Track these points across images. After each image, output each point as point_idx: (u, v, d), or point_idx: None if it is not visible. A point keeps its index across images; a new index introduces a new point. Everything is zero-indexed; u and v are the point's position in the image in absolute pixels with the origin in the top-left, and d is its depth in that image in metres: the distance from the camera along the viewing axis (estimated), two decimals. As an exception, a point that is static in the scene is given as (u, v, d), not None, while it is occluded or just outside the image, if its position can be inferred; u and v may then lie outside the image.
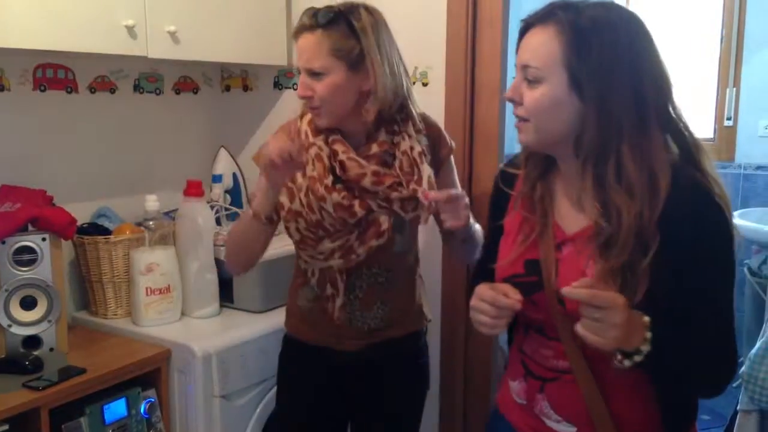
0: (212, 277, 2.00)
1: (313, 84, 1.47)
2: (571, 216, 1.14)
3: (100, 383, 1.69)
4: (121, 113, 2.20)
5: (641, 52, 1.04)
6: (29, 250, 1.72)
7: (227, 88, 2.53)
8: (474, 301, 1.09)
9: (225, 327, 1.97)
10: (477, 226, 1.57)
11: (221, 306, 2.05)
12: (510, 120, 1.95)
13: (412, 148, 1.53)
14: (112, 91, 2.17)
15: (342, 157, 1.51)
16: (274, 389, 1.88)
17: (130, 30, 1.79)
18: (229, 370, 1.82)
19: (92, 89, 2.11)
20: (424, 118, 1.60)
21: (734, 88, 3.72)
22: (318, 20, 1.44)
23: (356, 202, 1.51)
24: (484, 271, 1.26)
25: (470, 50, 2.03)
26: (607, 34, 1.02)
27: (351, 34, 1.45)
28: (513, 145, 3.55)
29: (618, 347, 1.00)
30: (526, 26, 1.10)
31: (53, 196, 1.88)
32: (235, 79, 2.50)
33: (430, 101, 2.08)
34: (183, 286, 1.98)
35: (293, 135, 1.51)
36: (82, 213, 2.01)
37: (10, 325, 1.72)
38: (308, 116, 1.57)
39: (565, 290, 0.98)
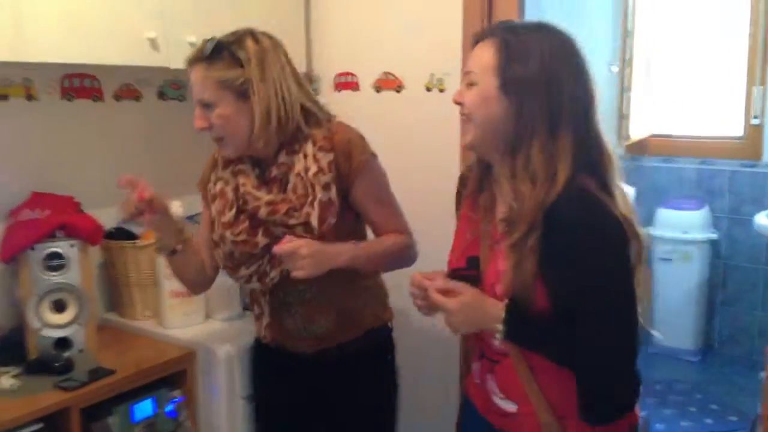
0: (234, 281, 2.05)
1: (207, 115, 1.51)
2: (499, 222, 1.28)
3: (128, 383, 1.75)
4: (146, 120, 2.26)
5: (562, 70, 1.21)
6: (58, 255, 1.78)
7: (250, 94, 2.57)
8: (410, 287, 1.33)
9: (247, 329, 1.97)
10: (379, 247, 1.61)
11: (243, 308, 2.09)
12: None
13: (307, 170, 1.53)
14: (137, 98, 2.23)
15: (241, 189, 1.56)
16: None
17: (152, 42, 1.84)
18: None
19: (118, 97, 2.17)
20: (334, 132, 1.57)
21: (761, 87, 3.66)
22: (203, 52, 1.48)
23: (260, 231, 1.55)
24: None
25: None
26: (532, 50, 1.20)
27: (235, 64, 1.48)
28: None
29: (469, 331, 1.31)
30: (476, 41, 1.28)
31: (80, 203, 1.94)
32: (257, 84, 2.55)
33: (446, 107, 2.09)
34: (206, 289, 2.03)
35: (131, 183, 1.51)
36: (109, 218, 2.06)
37: (41, 328, 1.78)
38: None
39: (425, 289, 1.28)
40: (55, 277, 1.79)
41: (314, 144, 1.54)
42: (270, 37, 1.55)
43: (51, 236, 1.80)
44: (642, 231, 1.20)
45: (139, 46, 1.83)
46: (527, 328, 1.23)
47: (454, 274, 1.32)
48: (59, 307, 1.81)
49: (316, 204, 1.52)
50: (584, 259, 1.16)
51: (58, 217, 1.81)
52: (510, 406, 1.31)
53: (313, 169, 1.53)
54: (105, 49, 1.78)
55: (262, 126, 1.50)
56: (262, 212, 1.53)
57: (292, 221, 1.52)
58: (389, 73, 2.24)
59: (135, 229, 2.09)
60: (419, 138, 2.24)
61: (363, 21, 2.26)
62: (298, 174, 1.53)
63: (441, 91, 2.15)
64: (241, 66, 1.48)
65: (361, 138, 1.60)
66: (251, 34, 1.52)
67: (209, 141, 1.47)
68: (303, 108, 1.55)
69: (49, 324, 1.80)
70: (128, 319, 2.08)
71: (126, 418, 1.74)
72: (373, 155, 1.61)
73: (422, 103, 2.19)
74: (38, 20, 1.64)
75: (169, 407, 1.82)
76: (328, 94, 2.41)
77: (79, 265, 1.82)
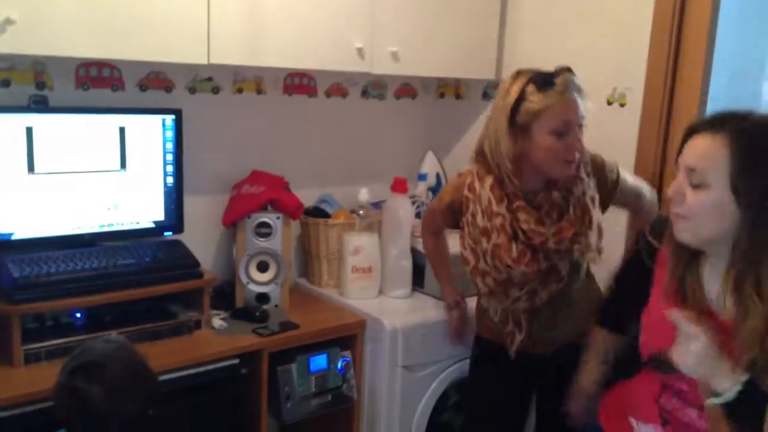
0: (407, 264, 2.27)
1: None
2: (713, 303, 1.22)
3: (309, 338, 2.04)
4: (349, 115, 2.56)
5: None
6: (266, 225, 2.13)
7: (442, 95, 2.78)
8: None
9: (414, 308, 2.22)
10: None
11: (413, 290, 2.30)
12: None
13: (584, 193, 1.64)
14: (344, 95, 2.53)
15: (524, 226, 1.64)
16: (450, 368, 2.13)
17: (360, 51, 2.12)
18: (412, 345, 2.07)
19: (328, 94, 2.49)
20: (591, 159, 1.71)
21: None
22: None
23: (540, 258, 1.66)
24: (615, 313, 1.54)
25: (670, 79, 2.04)
26: None
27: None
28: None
29: (700, 372, 1.15)
30: (693, 131, 1.19)
31: (289, 182, 2.27)
32: (449, 87, 2.74)
33: (625, 122, 2.14)
34: (382, 269, 2.26)
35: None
36: (309, 197, 2.40)
37: (248, 283, 2.15)
38: (488, 180, 1.68)
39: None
40: (262, 243, 2.13)
41: (585, 169, 1.68)
42: None
43: (263, 209, 2.14)
44: None
45: (349, 54, 2.11)
46: (758, 404, 1.11)
47: (657, 358, 1.25)
48: (263, 267, 2.16)
49: (594, 226, 1.65)
50: None
51: (269, 193, 2.15)
52: None
53: (590, 193, 1.67)
54: (320, 58, 2.09)
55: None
56: (551, 244, 1.64)
57: (575, 246, 1.66)
58: (573, 85, 2.30)
59: (328, 209, 2.40)
60: (595, 150, 2.28)
61: (551, 32, 2.34)
62: (578, 198, 1.65)
63: (622, 105, 2.17)
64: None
65: (601, 156, 1.76)
66: None
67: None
68: None
69: (254, 280, 2.15)
70: (315, 285, 2.39)
71: (304, 367, 2.02)
72: (616, 164, 1.78)
73: (602, 115, 2.22)
74: (270, 33, 1.97)
75: (339, 364, 2.08)
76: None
77: (282, 234, 2.15)
